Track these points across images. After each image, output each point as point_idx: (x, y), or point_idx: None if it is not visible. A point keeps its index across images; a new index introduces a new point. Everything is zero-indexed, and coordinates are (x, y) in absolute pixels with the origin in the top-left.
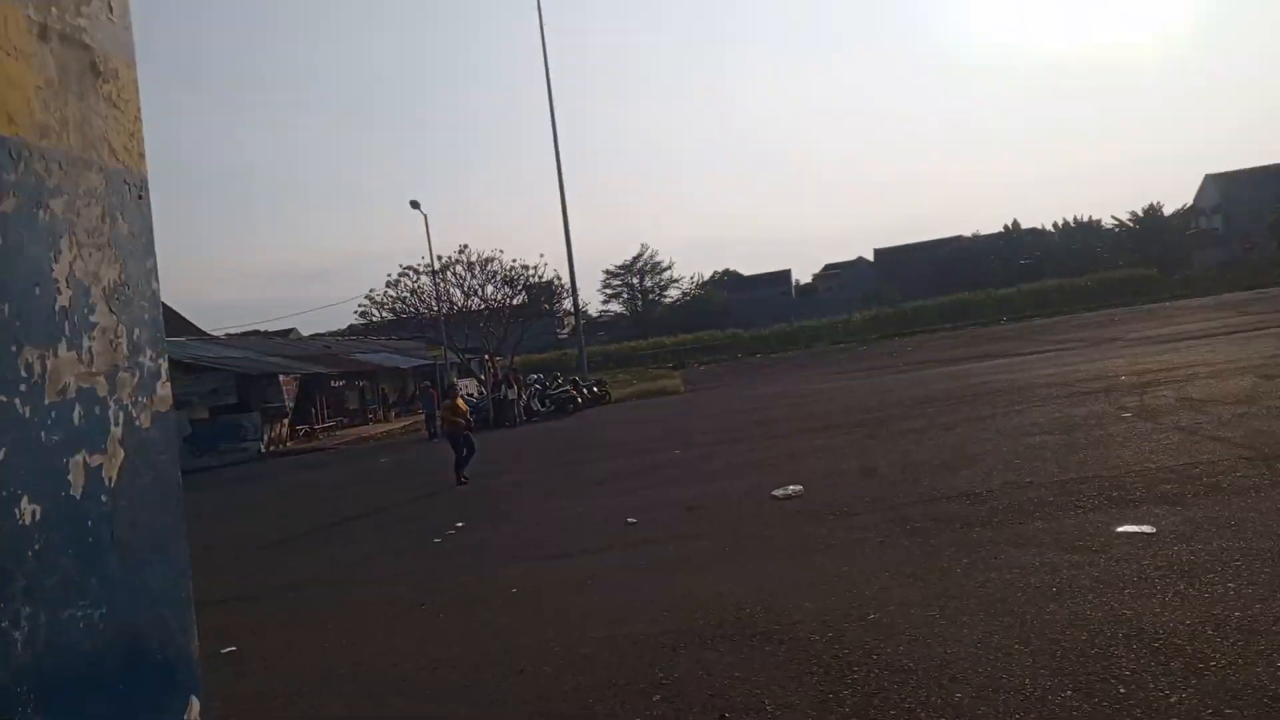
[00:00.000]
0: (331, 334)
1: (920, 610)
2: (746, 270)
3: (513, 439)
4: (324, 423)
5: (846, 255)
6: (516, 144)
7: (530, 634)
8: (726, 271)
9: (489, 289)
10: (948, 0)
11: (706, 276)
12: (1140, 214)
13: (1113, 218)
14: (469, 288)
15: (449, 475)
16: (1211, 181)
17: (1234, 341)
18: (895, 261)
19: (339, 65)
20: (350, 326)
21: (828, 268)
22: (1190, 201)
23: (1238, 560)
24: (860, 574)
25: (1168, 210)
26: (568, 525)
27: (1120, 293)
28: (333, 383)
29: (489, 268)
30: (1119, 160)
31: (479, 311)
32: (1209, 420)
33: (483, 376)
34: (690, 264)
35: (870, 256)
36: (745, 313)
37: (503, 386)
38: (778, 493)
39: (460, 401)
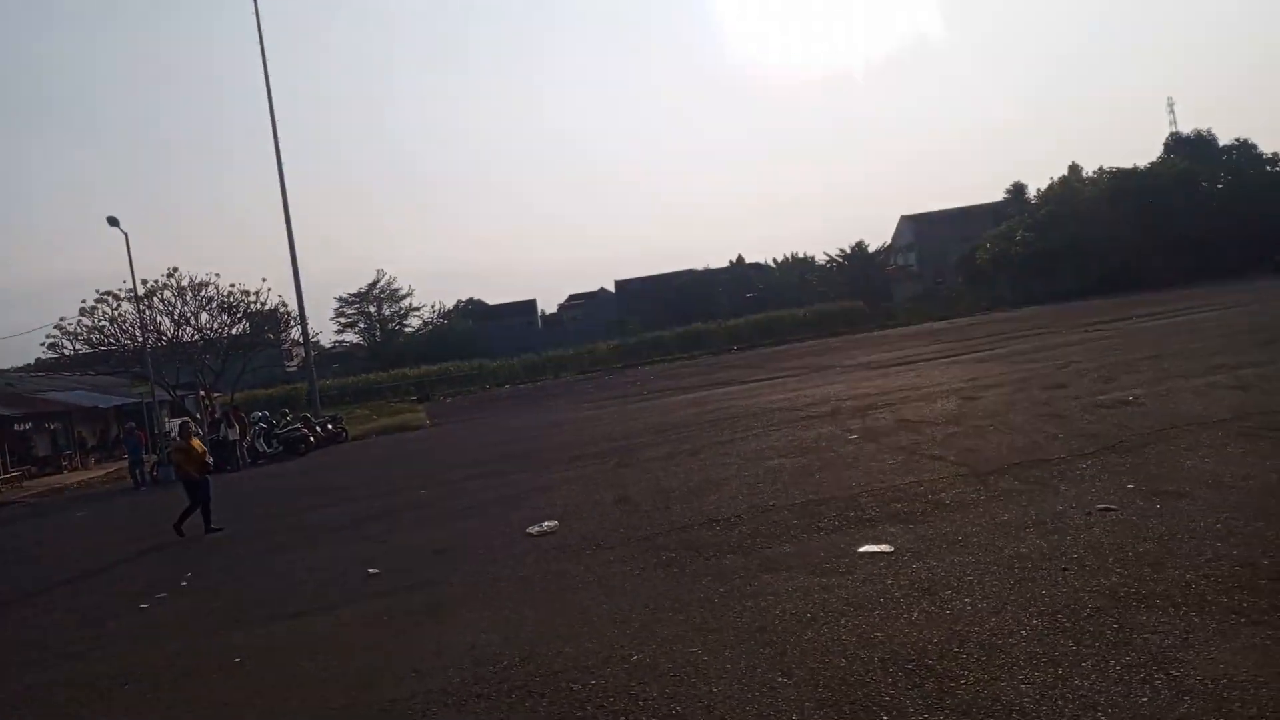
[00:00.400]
0: (14, 370)
1: (682, 647)
2: (492, 299)
3: (235, 485)
4: (7, 473)
5: (589, 286)
6: (238, 160)
7: (256, 709)
8: (471, 300)
9: (203, 317)
10: (678, 36)
11: (450, 305)
12: (848, 251)
13: (825, 254)
14: (180, 315)
15: (162, 528)
16: (906, 222)
17: (935, 367)
18: (635, 292)
19: (11, 66)
20: (38, 361)
21: (572, 298)
22: (889, 240)
23: (970, 576)
24: (620, 612)
25: (871, 248)
26: (300, 580)
27: (834, 323)
28: (16, 426)
29: (203, 293)
30: (830, 200)
31: (192, 342)
32: (925, 440)
33: (198, 415)
34: (431, 292)
35: (612, 287)
36: (491, 343)
37: (221, 426)
38: (532, 529)
39: (196, 442)
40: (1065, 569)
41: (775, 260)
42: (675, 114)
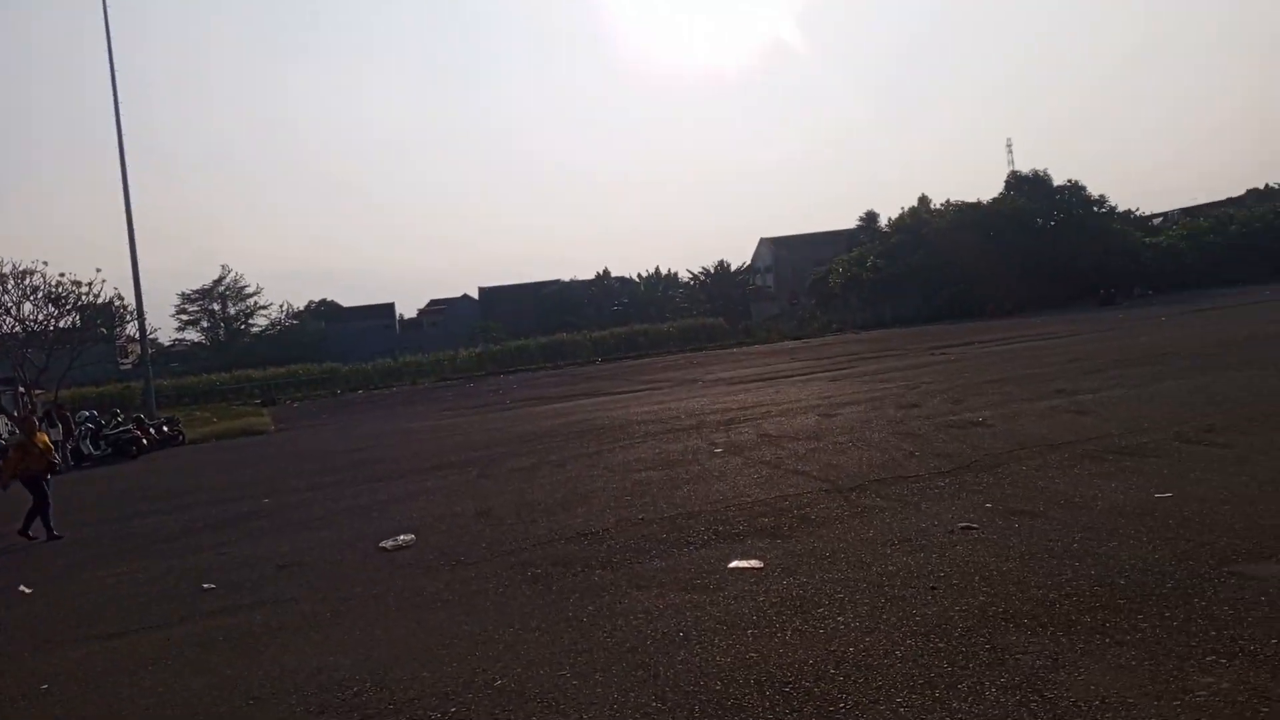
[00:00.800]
0: None
1: (550, 670)
2: (347, 301)
3: (57, 489)
4: None
5: (452, 292)
6: (77, 140)
7: None
8: (324, 301)
9: (26, 307)
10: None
11: (301, 306)
12: (711, 270)
13: (688, 271)
14: None
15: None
16: (765, 244)
17: (793, 384)
18: (499, 300)
19: None
20: None
21: (433, 303)
22: (749, 261)
23: (841, 593)
24: (483, 632)
25: (733, 267)
26: (125, 595)
27: (696, 338)
28: None
29: (27, 282)
30: (696, 219)
31: (13, 334)
32: (788, 455)
33: (14, 413)
34: (282, 291)
35: (475, 294)
36: (345, 346)
37: (43, 425)
38: (386, 543)
39: (42, 437)
40: (934, 587)
41: (641, 275)
42: (541, 125)
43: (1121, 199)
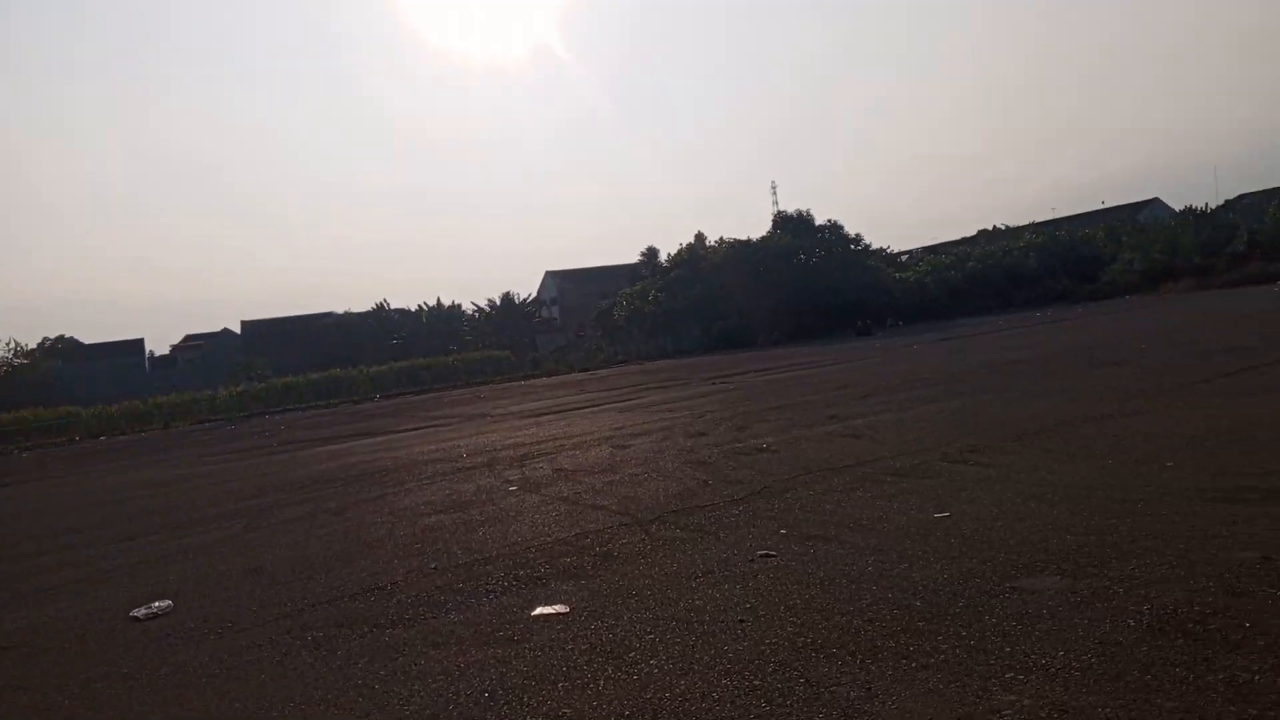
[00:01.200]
0: None
1: None
2: (89, 338)
3: None
4: None
5: (211, 326)
6: None
7: None
8: (61, 338)
9: None
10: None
11: (33, 344)
12: (496, 302)
13: (473, 303)
14: None
15: None
16: (550, 277)
17: (583, 416)
18: (264, 334)
19: None
20: None
21: (189, 338)
22: (534, 293)
23: (651, 634)
24: (258, 709)
25: (518, 299)
26: None
27: (483, 371)
28: None
29: None
30: (481, 251)
31: None
32: (585, 489)
33: None
34: (11, 328)
35: (237, 328)
36: (87, 387)
37: None
38: (138, 612)
39: None
40: (741, 620)
41: (423, 306)
42: (308, 146)
43: (874, 238)
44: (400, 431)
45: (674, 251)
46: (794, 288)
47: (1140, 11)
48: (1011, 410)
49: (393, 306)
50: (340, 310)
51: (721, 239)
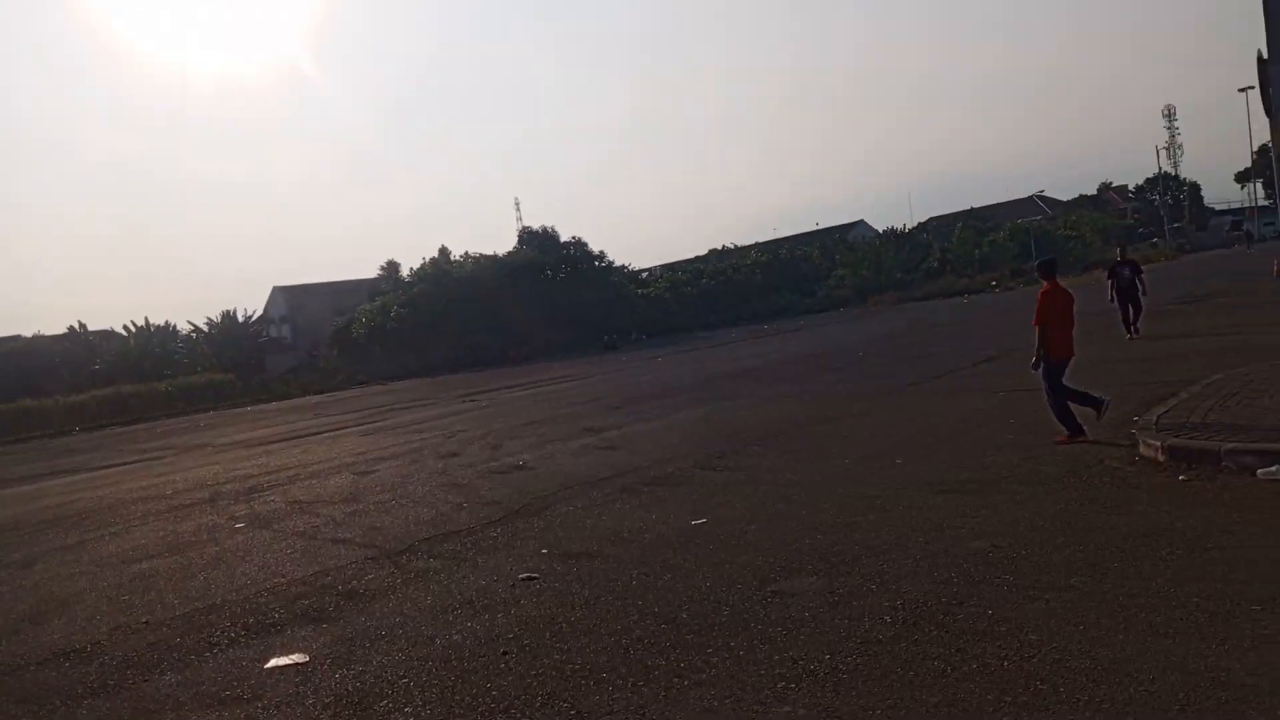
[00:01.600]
0: None
1: None
2: None
3: None
4: None
5: None
6: None
7: None
8: None
9: None
10: None
11: None
12: (217, 320)
13: (189, 323)
14: None
15: None
16: (280, 293)
17: (321, 442)
18: None
19: None
20: None
21: None
22: (261, 310)
23: (404, 677)
24: None
25: (241, 317)
26: None
27: (203, 397)
28: None
29: None
30: (192, 266)
31: None
32: (324, 522)
33: None
34: None
35: None
36: None
37: None
38: None
39: None
40: (505, 653)
41: (130, 327)
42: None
43: (616, 255)
44: (105, 468)
45: (417, 266)
46: (542, 303)
47: (827, 59)
48: (752, 415)
49: (92, 329)
50: (29, 333)
51: (467, 253)
